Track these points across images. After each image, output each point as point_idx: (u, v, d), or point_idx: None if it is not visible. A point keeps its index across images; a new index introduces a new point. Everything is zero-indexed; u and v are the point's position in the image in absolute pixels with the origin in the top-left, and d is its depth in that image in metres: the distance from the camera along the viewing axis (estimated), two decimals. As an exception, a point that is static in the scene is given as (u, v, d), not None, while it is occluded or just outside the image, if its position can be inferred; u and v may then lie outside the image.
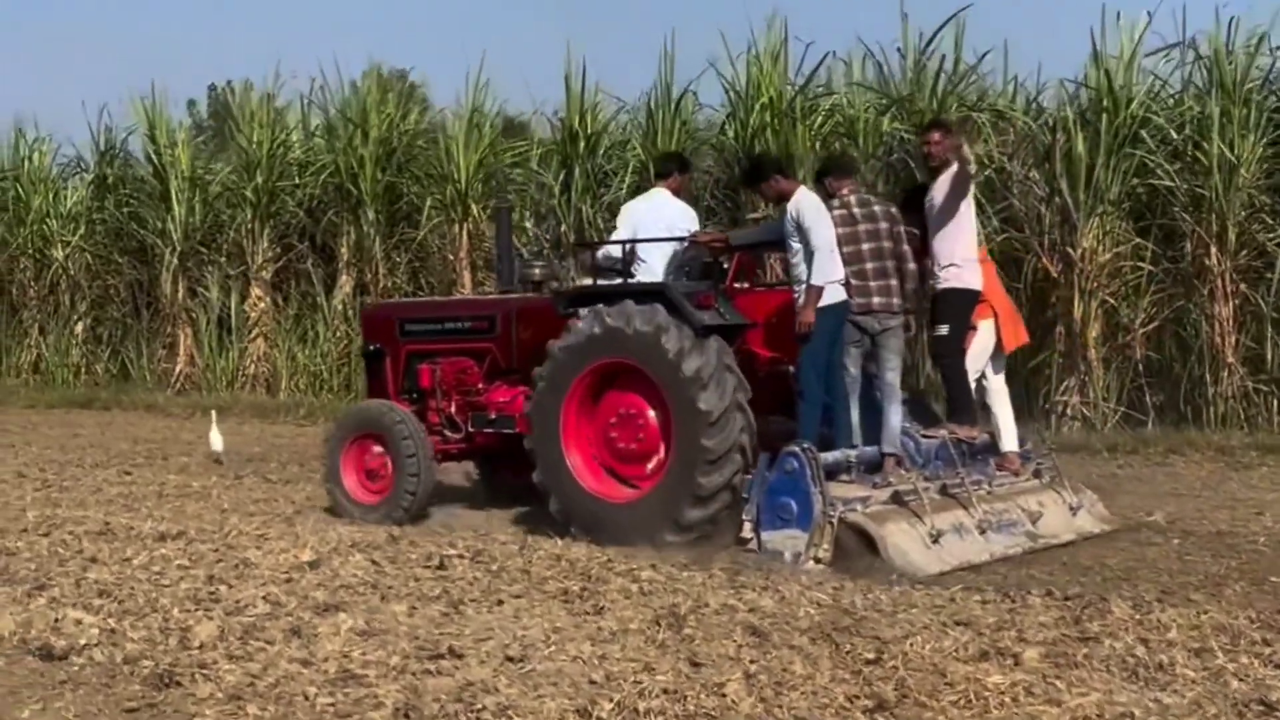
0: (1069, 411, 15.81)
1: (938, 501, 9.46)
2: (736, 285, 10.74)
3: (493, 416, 11.11)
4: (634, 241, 10.63)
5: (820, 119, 18.01)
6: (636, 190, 16.67)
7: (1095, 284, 15.85)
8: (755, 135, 17.72)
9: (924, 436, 10.22)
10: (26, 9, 59.71)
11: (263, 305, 22.34)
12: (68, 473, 14.48)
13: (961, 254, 10.13)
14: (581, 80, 19.56)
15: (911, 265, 10.15)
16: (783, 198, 10.07)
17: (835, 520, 8.97)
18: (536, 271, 11.77)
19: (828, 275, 9.73)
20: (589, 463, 10.08)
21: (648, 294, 9.90)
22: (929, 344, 11.52)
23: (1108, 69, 16.23)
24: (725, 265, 10.61)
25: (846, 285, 9.91)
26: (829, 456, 9.48)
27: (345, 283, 21.59)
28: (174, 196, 23.35)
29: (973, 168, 10.34)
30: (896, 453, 9.91)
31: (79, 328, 24.69)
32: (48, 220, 25.17)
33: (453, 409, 11.39)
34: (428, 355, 11.59)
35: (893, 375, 10.04)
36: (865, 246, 9.95)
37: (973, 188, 10.31)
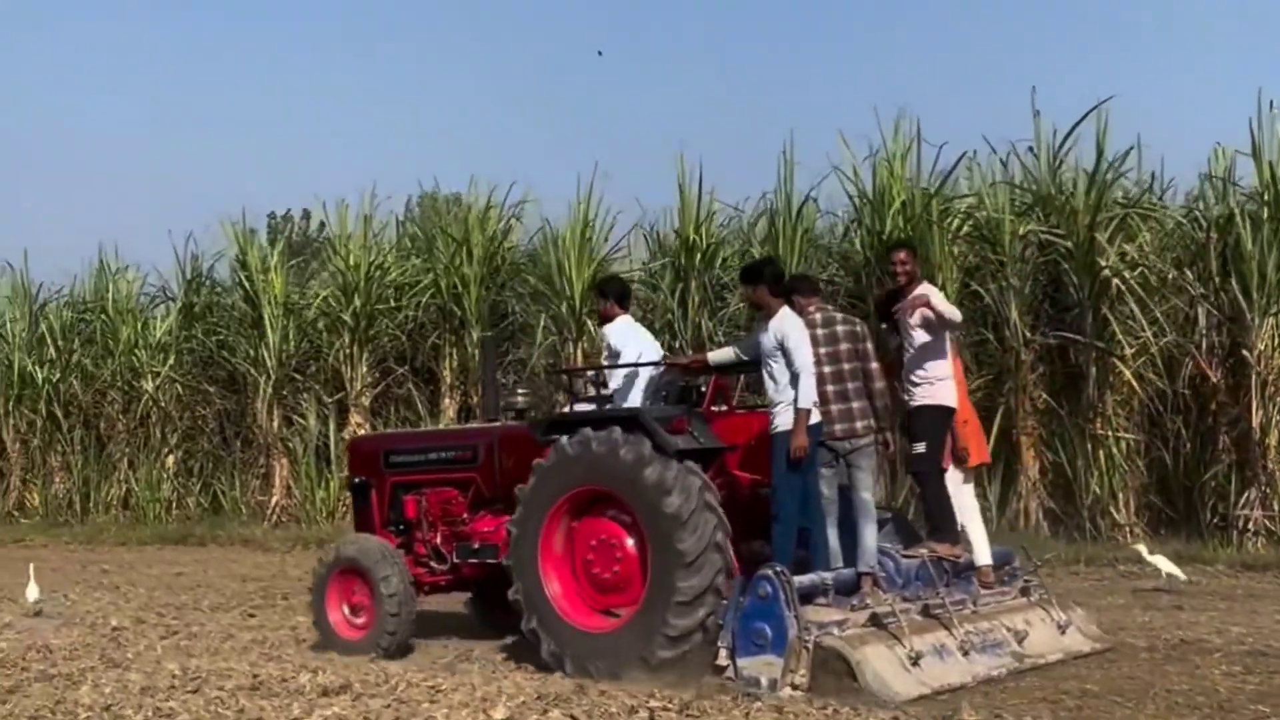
0: (1251, 526, 14.74)
1: (918, 622, 9.29)
2: (714, 409, 10.49)
3: (476, 546, 11.08)
4: (609, 367, 10.77)
5: (956, 221, 17.19)
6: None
7: (1275, 388, 14.84)
8: (887, 240, 16.88)
9: (904, 556, 10.05)
10: (102, 140, 59.88)
11: (362, 432, 21.52)
12: (188, 616, 13.68)
13: (935, 371, 10.09)
14: (699, 187, 18.90)
15: (878, 384, 9.98)
16: (760, 308, 9.96)
17: (811, 645, 8.75)
18: (520, 399, 11.73)
19: (811, 397, 9.58)
20: (571, 595, 9.97)
21: (622, 420, 9.79)
22: (907, 461, 11.30)
23: (1271, 162, 15.37)
24: (703, 388, 10.50)
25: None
26: (804, 579, 9.27)
27: (449, 406, 20.84)
28: (267, 322, 22.74)
29: (957, 317, 10.27)
30: (873, 572, 9.71)
31: (170, 460, 23.98)
32: (137, 351, 24.57)
33: (438, 539, 11.35)
34: (413, 486, 11.55)
35: (866, 495, 9.87)
36: (826, 369, 9.82)
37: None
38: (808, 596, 9.20)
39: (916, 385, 10.13)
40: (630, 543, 9.75)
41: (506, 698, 8.60)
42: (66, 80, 63.22)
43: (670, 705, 8.39)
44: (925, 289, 10.17)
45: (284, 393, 22.72)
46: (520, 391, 12.00)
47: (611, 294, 11.20)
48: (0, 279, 27.38)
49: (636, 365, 10.60)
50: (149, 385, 24.20)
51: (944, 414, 10.14)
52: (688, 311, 18.58)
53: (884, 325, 10.70)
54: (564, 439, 9.85)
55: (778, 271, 10.33)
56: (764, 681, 8.71)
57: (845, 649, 8.72)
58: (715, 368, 10.45)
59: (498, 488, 10.99)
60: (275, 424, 22.50)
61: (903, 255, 10.37)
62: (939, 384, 10.09)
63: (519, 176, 26.55)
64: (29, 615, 14.10)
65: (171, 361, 24.16)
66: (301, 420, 22.32)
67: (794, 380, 9.54)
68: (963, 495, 10.35)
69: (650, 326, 18.54)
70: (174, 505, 23.73)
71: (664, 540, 9.33)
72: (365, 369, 21.80)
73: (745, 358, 10.26)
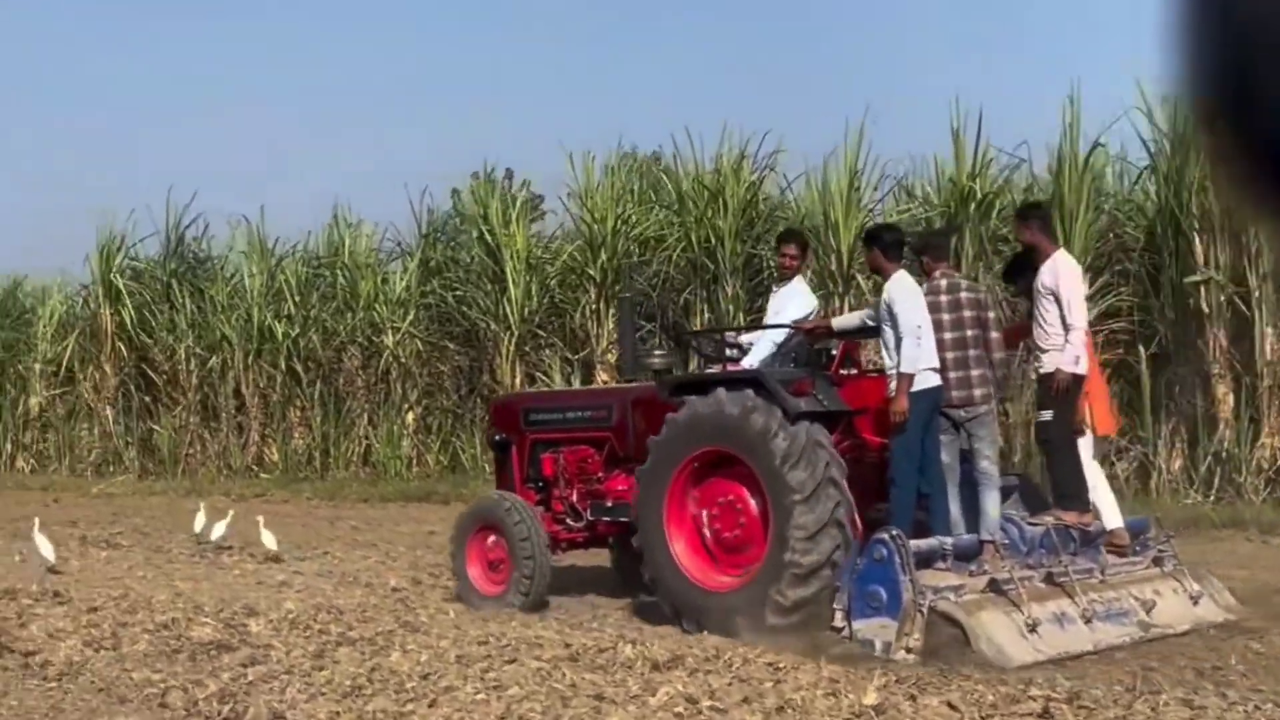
0: None
1: (1039, 590, 9.19)
2: (843, 371, 10.54)
3: (610, 504, 11.21)
4: (735, 329, 11.27)
5: None
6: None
7: None
8: (1192, 189, 15.58)
9: (1029, 523, 9.94)
10: (351, 95, 60.31)
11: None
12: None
13: (1069, 336, 9.80)
14: (977, 133, 17.78)
15: (998, 353, 10.03)
16: (878, 273, 10.13)
17: (926, 609, 8.68)
18: (656, 360, 11.84)
19: (917, 361, 9.56)
20: (693, 552, 10.05)
21: (742, 381, 9.94)
22: (1035, 429, 11.19)
23: None
24: (833, 352, 10.53)
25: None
26: (923, 544, 9.22)
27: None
28: (509, 277, 22.23)
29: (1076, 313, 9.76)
30: (994, 540, 9.61)
31: (409, 417, 23.67)
32: (377, 306, 24.26)
33: (574, 497, 11.49)
34: (551, 445, 11.73)
35: (987, 463, 9.88)
36: (947, 336, 9.81)
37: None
38: (926, 561, 9.14)
39: (1045, 352, 9.92)
40: (753, 505, 9.80)
41: (869, 673, 7.79)
42: (303, 37, 63.73)
43: (1056, 694, 7.48)
44: (1059, 262, 9.90)
45: (526, 349, 22.22)
46: (657, 352, 12.13)
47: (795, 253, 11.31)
48: (236, 232, 27.46)
49: (762, 327, 10.72)
50: (389, 340, 23.91)
51: (1074, 381, 9.87)
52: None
53: (1012, 288, 10.84)
54: (687, 398, 10.00)
55: (895, 238, 10.25)
56: (878, 644, 8.70)
57: (960, 613, 8.67)
58: (840, 333, 10.51)
59: (631, 447, 11.02)
60: (517, 381, 21.99)
61: (1035, 224, 10.19)
62: (1069, 350, 9.78)
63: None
64: (273, 560, 14.37)
65: (411, 317, 23.80)
66: (544, 377, 21.79)
67: (898, 343, 9.56)
68: (1089, 464, 10.21)
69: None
70: (414, 462, 23.42)
71: (779, 482, 9.39)
72: (611, 325, 21.11)
73: (871, 323, 10.21)
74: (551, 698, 7.61)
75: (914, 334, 9.53)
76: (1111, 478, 14.86)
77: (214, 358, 26.17)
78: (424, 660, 8.63)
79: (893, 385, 9.63)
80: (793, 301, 10.96)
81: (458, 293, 23.70)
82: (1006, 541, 9.68)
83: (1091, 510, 10.03)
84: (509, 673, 8.26)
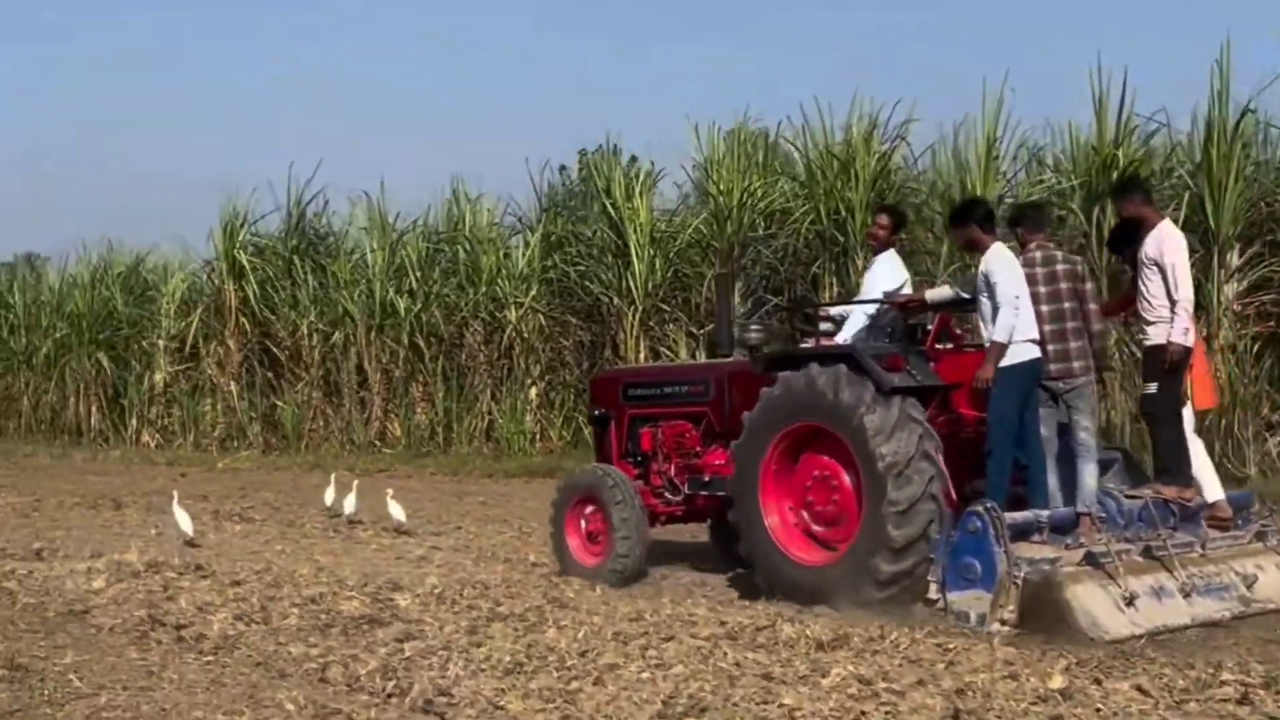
0: None
1: (1137, 563, 9.11)
2: (939, 346, 10.45)
3: (707, 479, 11.26)
4: (834, 304, 11.70)
5: None
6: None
7: None
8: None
9: (1127, 496, 9.78)
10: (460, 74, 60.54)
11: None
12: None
13: (1167, 307, 9.68)
14: (1120, 99, 17.25)
15: (1097, 325, 10.02)
16: (973, 248, 10.02)
17: (1020, 581, 8.69)
18: (753, 335, 11.75)
19: (1012, 332, 9.51)
20: (788, 527, 10.15)
21: (835, 356, 9.95)
22: (1139, 402, 11.07)
23: None
24: (928, 326, 10.49)
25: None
26: (1018, 516, 9.17)
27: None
28: (633, 251, 22.01)
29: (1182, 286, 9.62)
30: (1090, 512, 9.45)
31: (532, 392, 23.56)
32: (499, 281, 24.17)
33: (672, 471, 11.57)
34: (649, 419, 11.83)
35: (1085, 435, 9.82)
36: (1044, 308, 9.76)
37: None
38: (1022, 533, 9.09)
39: (1151, 324, 9.81)
40: (847, 479, 9.86)
41: (1059, 664, 7.48)
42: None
43: (1250, 679, 7.13)
44: (1164, 233, 9.77)
45: (650, 323, 22.01)
46: (754, 327, 12.03)
47: (893, 224, 11.33)
48: (356, 208, 27.50)
49: (854, 303, 10.77)
50: (511, 315, 23.80)
51: (1180, 353, 9.71)
52: (1103, 235, 16.95)
53: (1117, 258, 11.01)
54: (780, 374, 10.07)
55: (987, 210, 10.26)
56: (973, 616, 8.69)
57: (1055, 586, 8.61)
58: (934, 306, 10.41)
59: (728, 422, 11.03)
60: (641, 355, 21.79)
61: (1138, 198, 10.10)
62: (1176, 322, 9.66)
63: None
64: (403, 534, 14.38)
65: (534, 292, 23.68)
66: (668, 352, 21.58)
67: (994, 313, 9.53)
68: (1190, 437, 10.12)
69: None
70: (537, 437, 23.33)
71: (872, 457, 9.44)
72: (738, 299, 20.78)
73: (965, 295, 10.13)
74: (719, 677, 7.42)
75: (1011, 304, 9.50)
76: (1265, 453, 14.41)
77: (337, 333, 26.23)
78: (580, 637, 8.49)
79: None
80: (884, 275, 10.93)
81: (580, 267, 23.51)
82: (1104, 515, 9.55)
83: (1193, 485, 9.91)
84: (669, 651, 8.09)
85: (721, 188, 21.03)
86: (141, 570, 11.48)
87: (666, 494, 11.60)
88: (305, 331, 26.72)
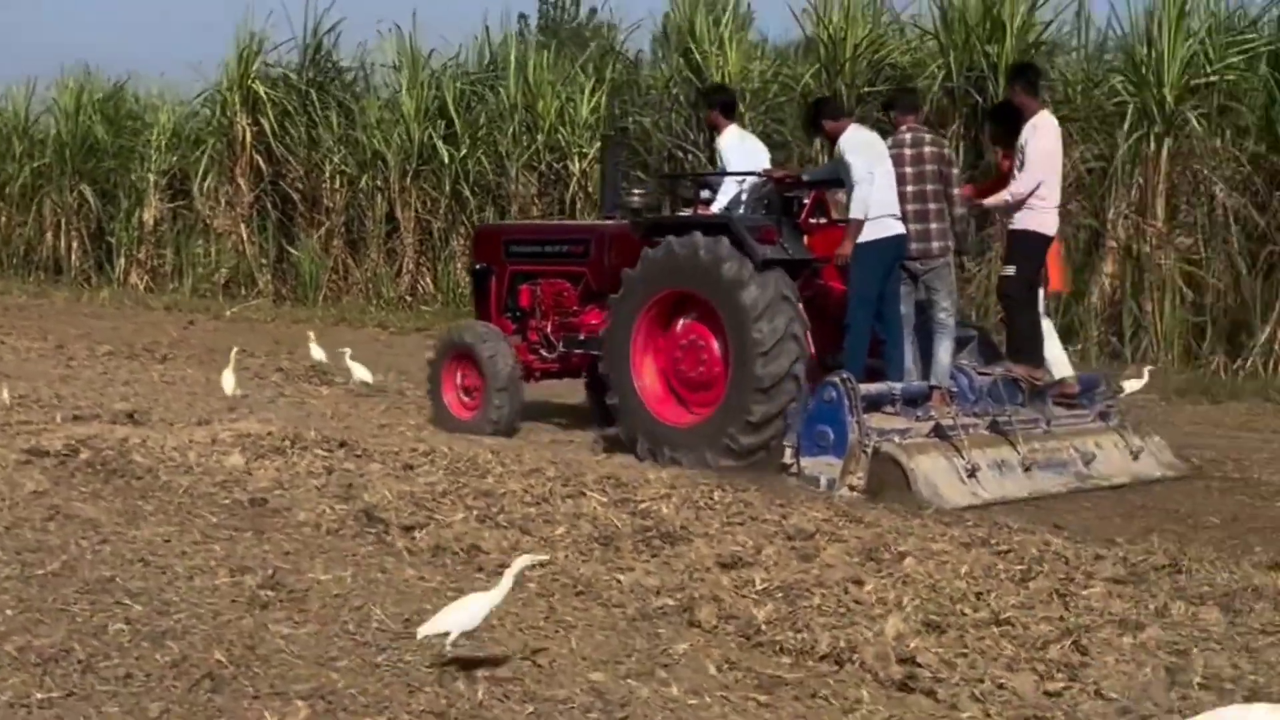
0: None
1: (983, 437, 9.51)
2: (812, 221, 10.62)
3: (582, 338, 11.37)
4: (709, 175, 11.88)
5: None
6: None
7: None
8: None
9: (979, 373, 10.19)
10: None
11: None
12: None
13: (1040, 195, 9.91)
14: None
15: (959, 209, 10.23)
16: (832, 139, 10.22)
17: (870, 450, 9.04)
18: (635, 199, 11.77)
19: (869, 209, 9.74)
20: (656, 387, 10.39)
21: (714, 226, 10.10)
22: (998, 282, 11.25)
23: None
24: (804, 200, 10.60)
25: None
26: (872, 388, 9.54)
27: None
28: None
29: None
30: (942, 388, 9.87)
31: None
32: (561, 129, 21.97)
33: (549, 329, 11.68)
34: (530, 277, 11.90)
35: (943, 314, 10.10)
36: (909, 189, 9.97)
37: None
38: (875, 405, 9.47)
39: (1016, 210, 10.04)
40: (717, 347, 10.07)
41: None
42: None
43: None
44: (1038, 122, 9.96)
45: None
46: (636, 191, 12.11)
47: (716, 103, 11.54)
48: (385, 43, 25.10)
49: (733, 174, 10.75)
50: (575, 167, 21.62)
51: (1039, 240, 10.07)
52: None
53: (993, 141, 11.33)
54: (664, 239, 10.20)
55: (833, 105, 11.12)
56: (823, 481, 9.08)
57: (901, 455, 9.00)
58: (810, 182, 10.64)
59: (606, 283, 11.05)
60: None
61: (1018, 87, 10.31)
62: (1040, 210, 9.94)
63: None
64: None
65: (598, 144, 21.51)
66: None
67: (849, 192, 9.85)
68: (1042, 318, 10.49)
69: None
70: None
71: (742, 333, 9.67)
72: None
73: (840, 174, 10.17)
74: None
75: (865, 180, 9.70)
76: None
77: (364, 177, 23.97)
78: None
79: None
80: (733, 147, 11.04)
81: (652, 118, 21.29)
82: (955, 390, 9.98)
83: (1043, 365, 10.28)
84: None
85: (833, 34, 18.85)
86: (286, 445, 9.59)
87: (543, 350, 11.72)
88: (328, 173, 24.43)
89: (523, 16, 24.70)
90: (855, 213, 9.79)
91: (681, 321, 10.36)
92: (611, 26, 23.98)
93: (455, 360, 11.63)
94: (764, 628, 5.82)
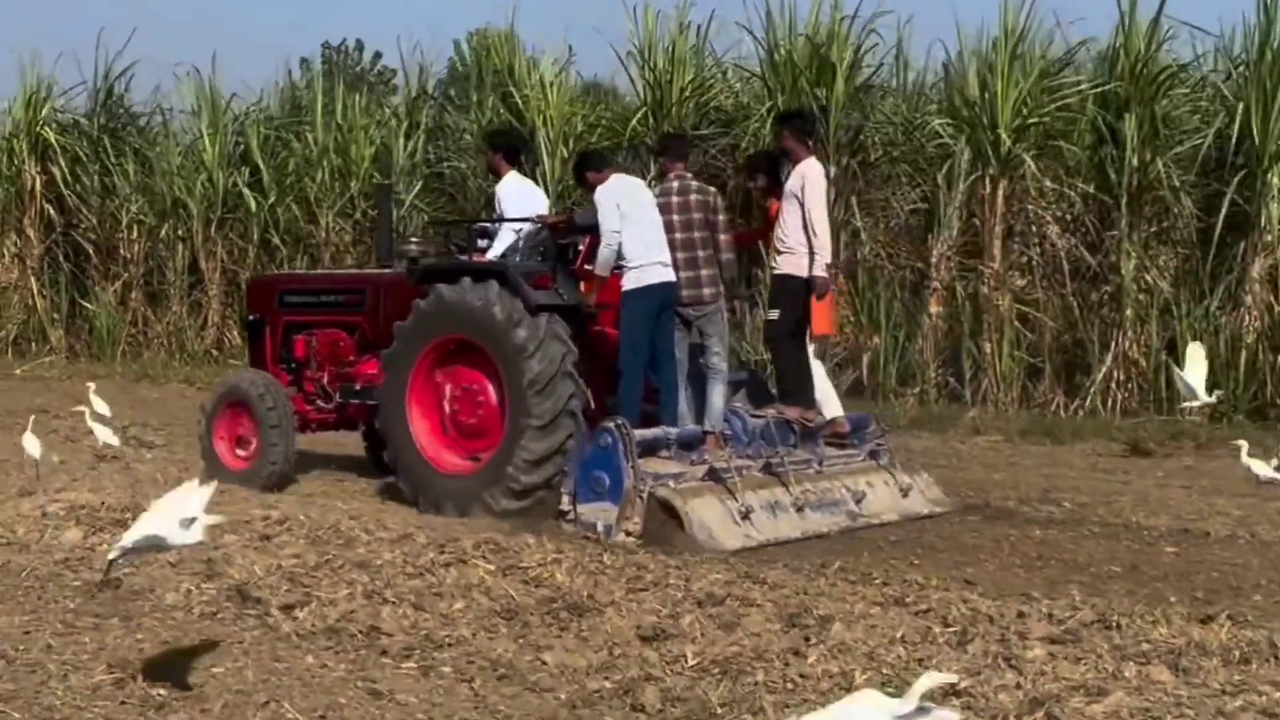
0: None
1: (756, 479, 9.67)
2: (587, 267, 10.58)
3: (359, 388, 11.31)
4: (480, 222, 12.28)
5: None
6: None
7: None
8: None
9: (752, 415, 10.36)
10: None
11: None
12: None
13: (798, 241, 10.14)
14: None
15: (727, 254, 10.43)
16: (591, 189, 10.31)
17: (646, 494, 9.12)
18: (412, 248, 11.79)
19: (610, 267, 9.99)
20: (433, 437, 10.37)
21: (487, 272, 10.18)
22: (764, 327, 11.60)
23: None
24: (580, 246, 10.70)
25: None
26: (648, 433, 9.68)
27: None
28: (543, 147, 19.42)
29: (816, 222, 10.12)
30: (716, 431, 10.06)
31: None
32: (377, 174, 21.23)
33: (325, 379, 11.62)
34: (304, 327, 11.84)
35: (715, 358, 10.31)
36: (677, 235, 10.15)
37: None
38: (650, 449, 9.63)
39: (780, 254, 10.33)
40: (493, 392, 10.13)
41: None
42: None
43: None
44: (805, 170, 10.15)
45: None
46: (413, 239, 12.38)
47: (499, 147, 11.66)
48: (182, 86, 24.06)
49: (508, 220, 10.94)
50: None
51: (802, 284, 10.23)
52: (1125, 149, 15.46)
53: (755, 185, 11.45)
54: (435, 287, 10.21)
55: (590, 155, 11.40)
56: (600, 527, 9.09)
57: (675, 499, 9.09)
58: (581, 228, 10.60)
59: (382, 332, 11.04)
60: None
61: (786, 131, 10.54)
62: (801, 255, 10.14)
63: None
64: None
65: (419, 188, 20.89)
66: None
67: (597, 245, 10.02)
68: (812, 362, 10.72)
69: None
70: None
71: (515, 372, 9.75)
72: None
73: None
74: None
75: (608, 239, 9.86)
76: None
77: (165, 226, 22.91)
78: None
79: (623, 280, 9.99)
80: (512, 193, 11.22)
81: (469, 163, 20.73)
82: (729, 433, 10.17)
83: (814, 406, 10.50)
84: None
85: (659, 78, 18.58)
86: (128, 516, 8.81)
87: (319, 401, 11.65)
88: (125, 223, 23.29)
89: (304, 61, 23.84)
90: (598, 270, 10.05)
91: (456, 369, 10.36)
92: (392, 71, 23.27)
93: (230, 409, 11.41)
94: (719, 710, 5.38)
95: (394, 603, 6.95)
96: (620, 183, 10.29)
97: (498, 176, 11.48)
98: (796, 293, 10.28)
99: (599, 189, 10.12)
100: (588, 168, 10.57)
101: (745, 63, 18.89)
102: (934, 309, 16.92)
